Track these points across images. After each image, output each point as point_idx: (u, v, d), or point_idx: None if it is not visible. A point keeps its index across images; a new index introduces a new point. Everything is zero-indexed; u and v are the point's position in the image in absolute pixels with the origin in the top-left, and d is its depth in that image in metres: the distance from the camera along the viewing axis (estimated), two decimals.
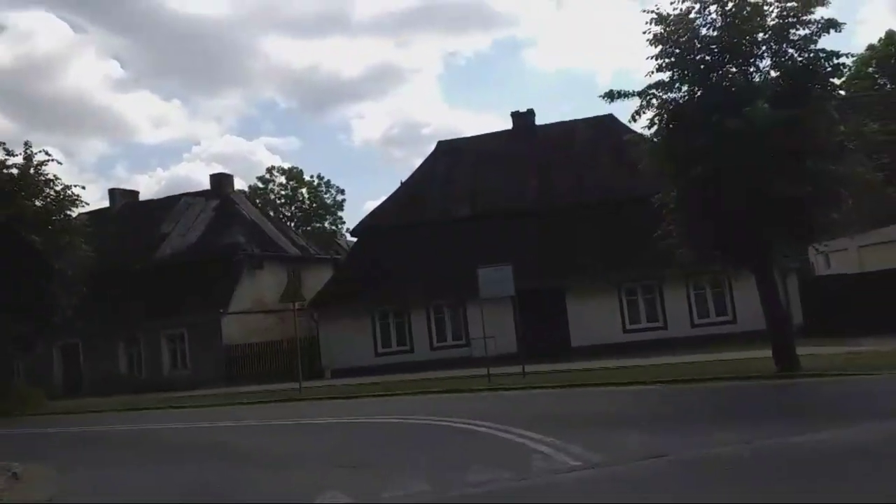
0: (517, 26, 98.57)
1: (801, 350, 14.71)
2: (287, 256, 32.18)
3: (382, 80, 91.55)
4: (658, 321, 23.63)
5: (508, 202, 26.36)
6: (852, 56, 13.43)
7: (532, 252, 23.59)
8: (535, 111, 30.17)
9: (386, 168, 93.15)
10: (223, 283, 28.76)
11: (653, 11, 14.16)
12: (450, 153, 29.89)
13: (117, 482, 8.65)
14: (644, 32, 14.22)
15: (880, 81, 38.38)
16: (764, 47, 14.09)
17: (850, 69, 13.69)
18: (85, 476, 9.25)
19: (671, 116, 14.26)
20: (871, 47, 40.66)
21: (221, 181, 34.92)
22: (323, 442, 10.78)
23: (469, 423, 10.30)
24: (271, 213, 45.79)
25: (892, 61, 38.54)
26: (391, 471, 7.69)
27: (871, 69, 39.57)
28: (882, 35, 40.46)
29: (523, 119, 30.13)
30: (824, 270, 26.23)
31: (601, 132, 27.16)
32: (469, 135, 32.44)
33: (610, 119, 26.86)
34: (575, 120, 29.69)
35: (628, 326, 23.75)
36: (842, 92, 16.13)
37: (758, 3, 13.88)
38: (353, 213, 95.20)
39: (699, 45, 14.10)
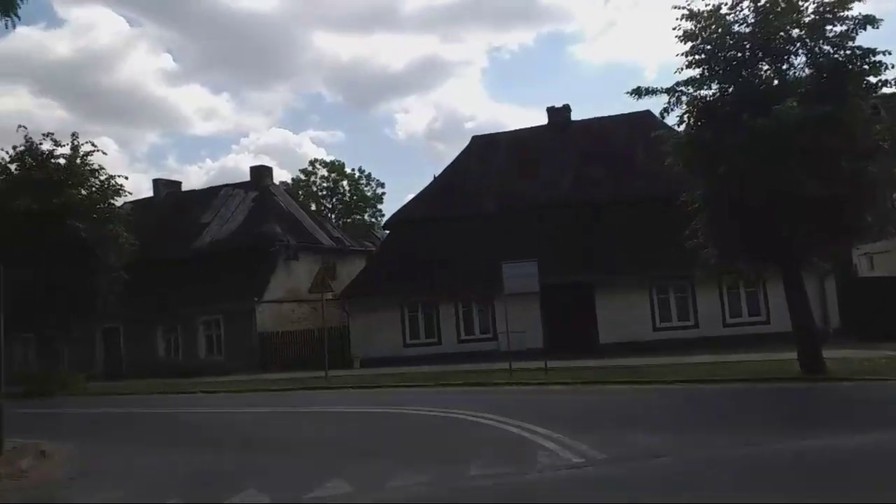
0: (563, 21, 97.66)
1: (833, 353, 14.43)
2: (322, 247, 32.63)
3: (428, 74, 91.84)
4: (689, 320, 23.33)
5: (540, 197, 26.15)
6: (889, 54, 13.01)
7: (563, 247, 23.48)
8: (581, 106, 30.56)
9: (428, 162, 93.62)
10: (259, 272, 29.34)
11: (684, 7, 14.00)
12: (484, 147, 29.83)
13: (134, 462, 8.99)
14: (674, 28, 14.07)
15: None
16: (798, 44, 13.79)
17: (888, 67, 13.20)
18: (106, 456, 9.59)
19: (700, 113, 14.07)
20: None
21: (261, 173, 35.59)
22: (338, 430, 11.02)
23: (484, 417, 10.42)
24: (312, 206, 46.37)
25: None
26: (397, 461, 7.84)
27: None
28: None
29: (559, 114, 29.90)
30: (867, 272, 25.53)
31: (638, 128, 26.59)
32: (512, 129, 32.26)
33: (647, 115, 26.41)
34: (612, 116, 29.34)
35: (659, 324, 23.50)
36: (887, 90, 15.66)
37: None
38: (394, 206, 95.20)
39: (731, 42, 13.88)
